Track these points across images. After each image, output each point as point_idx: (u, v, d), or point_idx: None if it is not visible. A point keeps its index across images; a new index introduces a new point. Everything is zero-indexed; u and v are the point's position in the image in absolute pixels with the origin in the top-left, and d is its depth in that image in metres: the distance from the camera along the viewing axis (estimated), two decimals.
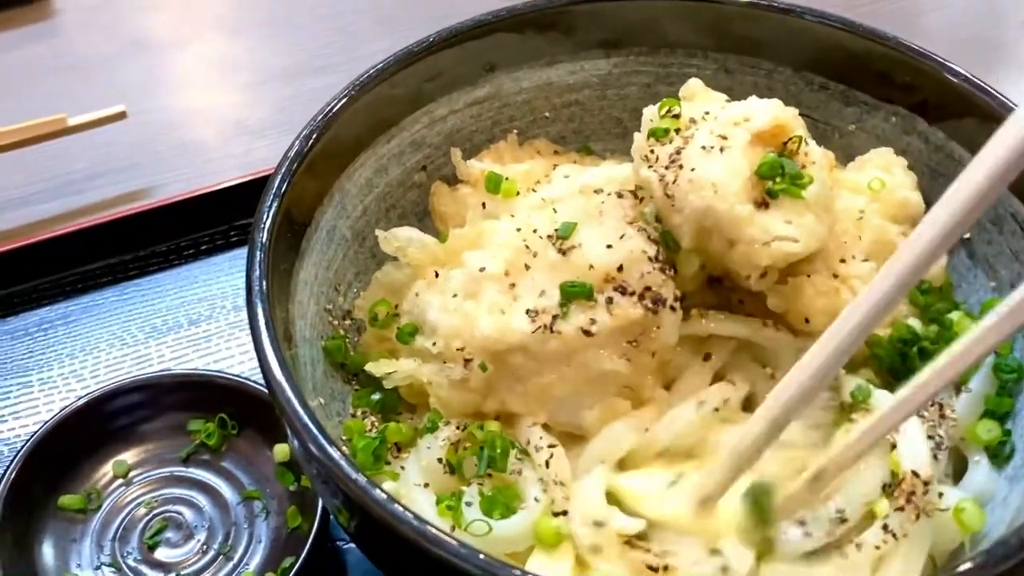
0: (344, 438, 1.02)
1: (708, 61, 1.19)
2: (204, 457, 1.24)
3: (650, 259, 0.94)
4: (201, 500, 1.20)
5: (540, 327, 0.93)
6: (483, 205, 1.14)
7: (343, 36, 1.95)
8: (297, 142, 1.04)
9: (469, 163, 1.18)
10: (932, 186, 1.10)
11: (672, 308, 0.93)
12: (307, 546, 1.10)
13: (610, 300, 0.92)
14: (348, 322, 1.12)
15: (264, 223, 0.97)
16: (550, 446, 0.94)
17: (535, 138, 1.26)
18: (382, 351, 1.09)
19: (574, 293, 0.93)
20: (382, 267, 1.15)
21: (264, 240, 0.96)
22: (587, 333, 0.92)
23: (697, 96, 1.07)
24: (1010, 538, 0.74)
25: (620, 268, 0.93)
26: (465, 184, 1.19)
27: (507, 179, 1.14)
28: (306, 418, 0.84)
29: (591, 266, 0.93)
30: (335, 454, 0.82)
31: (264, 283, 0.93)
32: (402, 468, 1.01)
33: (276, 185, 1.00)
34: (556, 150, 1.26)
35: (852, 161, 1.14)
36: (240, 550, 1.16)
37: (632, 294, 0.92)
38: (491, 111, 1.22)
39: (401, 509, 0.78)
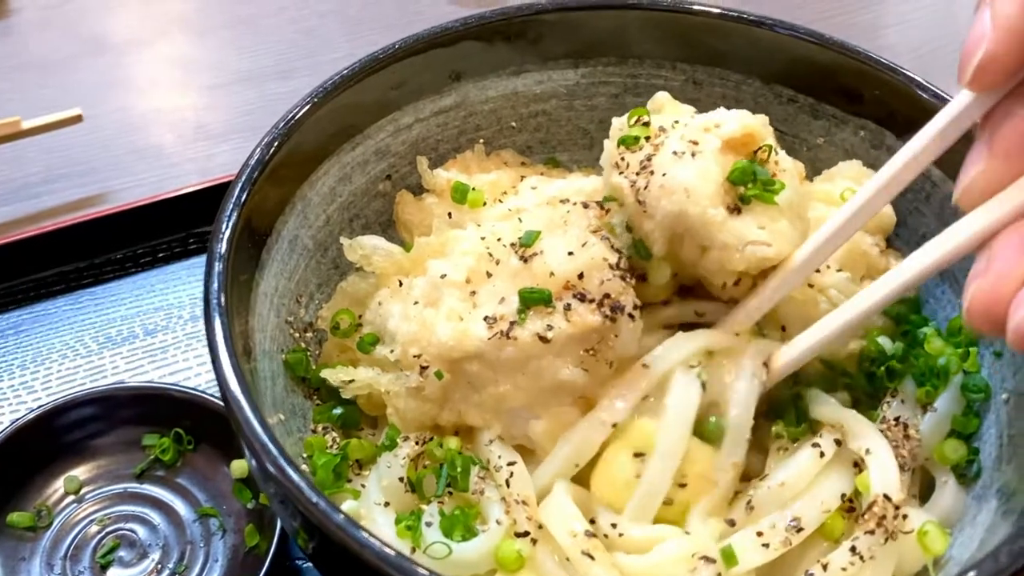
0: (304, 455, 1.00)
1: (676, 72, 1.18)
2: (159, 473, 1.20)
3: (611, 266, 0.92)
4: (155, 517, 1.17)
5: (497, 333, 0.91)
6: (449, 215, 1.12)
7: (308, 40, 1.92)
8: (258, 150, 1.01)
9: (435, 172, 1.16)
10: (901, 201, 1.09)
11: (631, 316, 0.91)
12: (265, 566, 1.07)
13: (568, 307, 0.90)
14: (310, 335, 1.10)
15: (223, 233, 0.94)
16: (509, 463, 0.92)
17: (502, 148, 1.24)
18: (343, 361, 1.07)
19: (532, 299, 0.91)
20: (346, 278, 1.13)
21: (223, 251, 0.93)
22: (543, 340, 0.90)
23: (664, 108, 1.05)
24: (985, 562, 0.73)
25: (581, 275, 0.91)
26: (431, 193, 1.17)
27: (474, 189, 1.12)
28: (264, 437, 0.81)
29: (552, 273, 0.92)
30: (294, 475, 0.79)
31: (223, 296, 0.90)
32: (363, 486, 0.99)
33: (236, 194, 0.97)
34: (523, 161, 1.24)
35: (820, 175, 1.13)
36: (195, 570, 1.13)
37: (591, 301, 0.90)
38: (457, 120, 1.20)
39: (362, 533, 0.76)
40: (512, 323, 0.92)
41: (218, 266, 0.91)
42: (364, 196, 1.17)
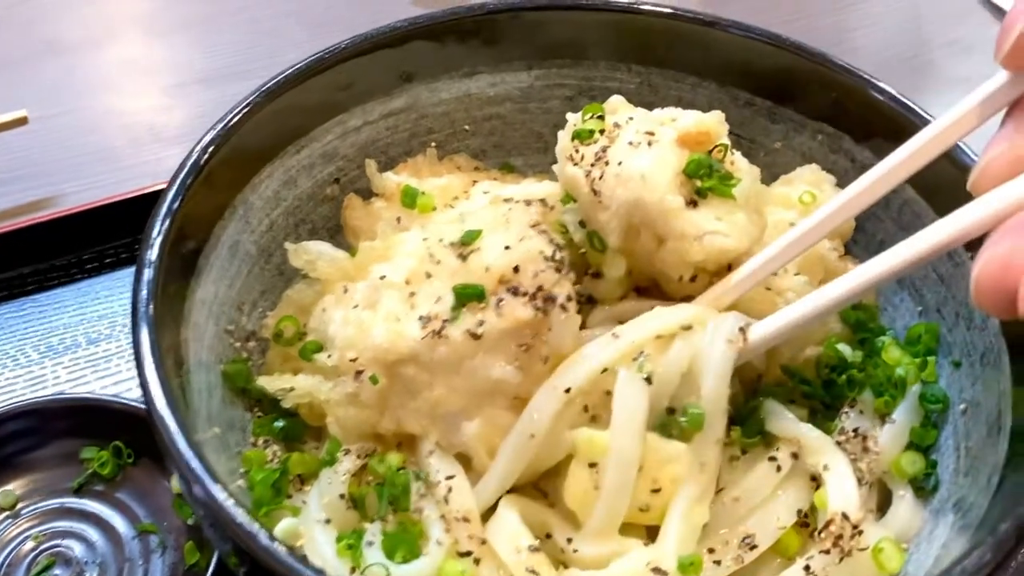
0: (242, 470, 0.96)
1: (631, 75, 1.16)
2: (97, 488, 1.16)
3: (546, 258, 0.88)
4: (93, 534, 1.12)
5: (429, 333, 0.88)
6: (398, 220, 1.09)
7: (269, 40, 1.88)
8: (195, 152, 0.98)
9: (384, 176, 1.13)
10: None
11: (563, 308, 0.88)
12: None
13: (500, 301, 0.87)
14: (252, 344, 1.06)
15: (154, 239, 0.90)
16: (448, 477, 0.88)
17: (455, 152, 1.21)
18: (286, 371, 1.03)
19: (466, 296, 0.88)
20: (292, 285, 1.09)
21: (153, 258, 0.89)
22: (475, 336, 0.86)
23: (619, 111, 1.03)
24: None
25: (516, 269, 0.88)
26: (380, 198, 1.14)
27: (423, 193, 1.09)
28: (190, 456, 0.77)
29: (487, 268, 0.88)
30: (221, 496, 0.75)
31: (151, 305, 0.86)
32: (304, 502, 0.95)
33: (169, 198, 0.93)
34: (477, 166, 1.21)
35: (776, 179, 1.10)
36: None
37: (524, 294, 0.87)
38: (408, 123, 1.17)
39: (291, 559, 0.72)
40: (445, 322, 0.89)
41: (147, 273, 0.88)
42: (311, 200, 1.13)
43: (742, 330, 0.88)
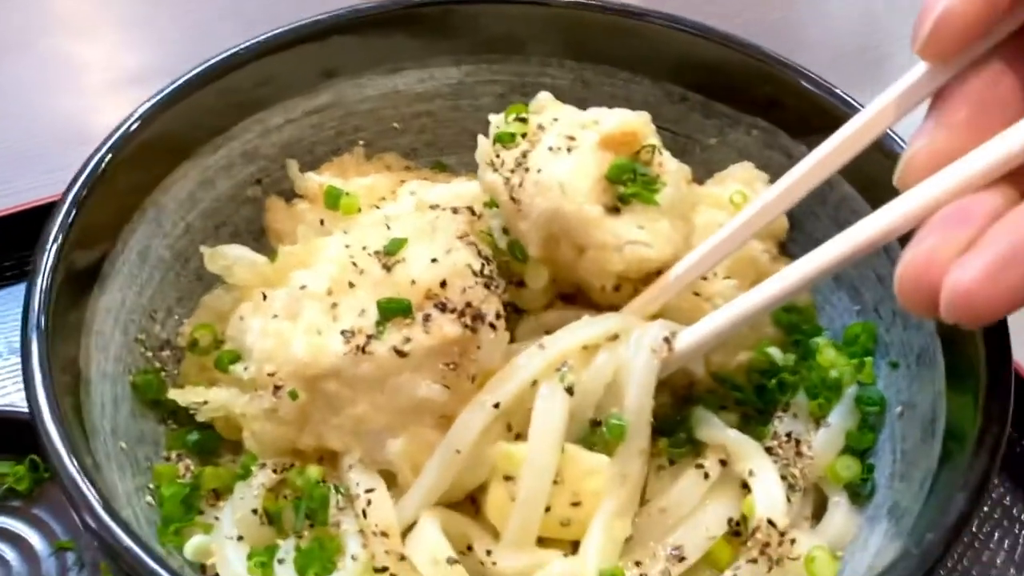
0: (152, 485, 0.91)
1: (564, 70, 1.12)
2: (13, 503, 1.10)
3: (474, 273, 0.85)
4: (7, 552, 1.07)
5: (353, 348, 0.84)
6: (321, 222, 1.05)
7: (204, 39, 1.82)
8: (96, 153, 0.93)
9: (307, 176, 1.08)
10: (796, 205, 1.04)
11: (492, 326, 0.84)
12: None
13: (428, 317, 0.83)
14: (167, 353, 1.01)
15: (49, 245, 0.86)
16: (368, 491, 0.84)
17: (385, 151, 1.17)
18: (201, 382, 0.99)
19: (391, 310, 0.84)
20: (211, 291, 1.04)
21: (48, 265, 0.85)
22: (400, 354, 0.83)
23: (547, 109, 0.99)
24: None
25: (443, 284, 0.84)
26: (303, 199, 1.09)
27: (347, 194, 1.05)
28: (78, 478, 0.73)
29: (413, 281, 0.85)
30: (109, 521, 0.71)
31: (43, 315, 0.81)
32: (216, 519, 0.91)
33: (67, 202, 0.89)
34: (407, 165, 1.17)
35: (712, 176, 1.07)
36: None
37: (452, 311, 0.84)
38: (333, 120, 1.13)
39: None
40: (369, 337, 0.85)
41: (41, 281, 0.83)
42: (231, 202, 1.08)
43: (667, 340, 0.85)
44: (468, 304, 0.84)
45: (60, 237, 0.86)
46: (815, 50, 1.79)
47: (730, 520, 0.85)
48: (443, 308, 0.84)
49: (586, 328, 0.86)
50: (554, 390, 0.82)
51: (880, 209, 0.73)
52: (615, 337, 0.85)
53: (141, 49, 1.84)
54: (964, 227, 0.64)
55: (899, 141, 0.94)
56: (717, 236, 0.87)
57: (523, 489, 0.81)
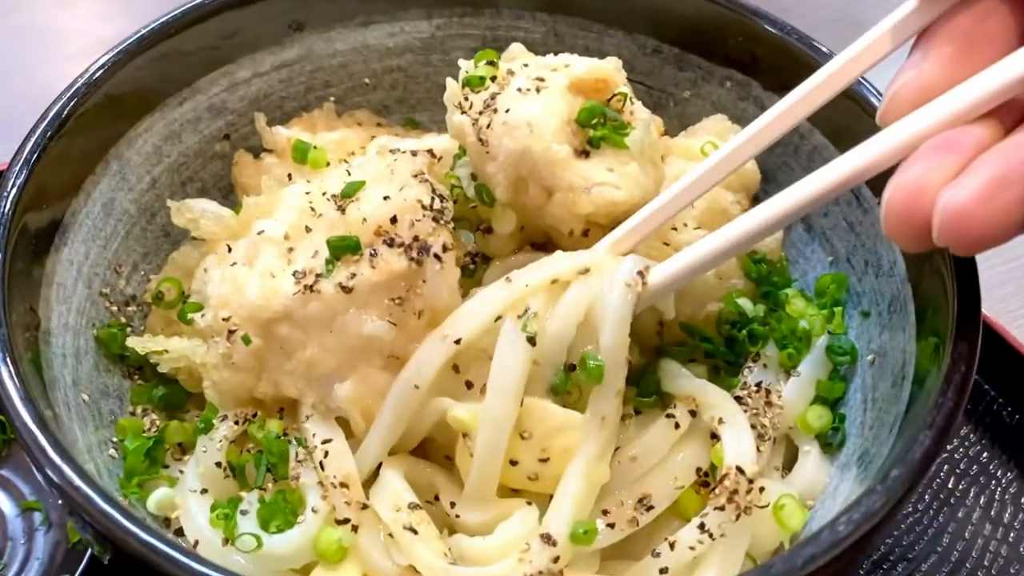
0: (116, 439, 0.90)
1: (536, 23, 1.10)
2: None
3: (424, 207, 0.84)
4: None
5: (302, 288, 0.82)
6: (289, 176, 1.03)
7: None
8: (57, 103, 0.91)
9: (275, 130, 1.07)
10: (769, 156, 1.02)
11: (437, 258, 0.83)
12: (82, 564, 0.97)
13: (374, 253, 0.82)
14: (132, 309, 1.00)
15: (7, 191, 0.84)
16: (324, 441, 0.83)
17: (356, 108, 1.15)
18: (168, 335, 0.97)
19: (340, 248, 0.83)
20: (179, 247, 1.03)
21: (6, 212, 0.83)
22: (345, 289, 0.81)
23: (517, 59, 0.97)
24: (820, 534, 0.66)
25: (394, 220, 0.83)
26: (271, 154, 1.08)
27: (316, 148, 1.03)
28: (36, 430, 0.71)
29: (364, 220, 0.83)
30: (71, 473, 0.70)
31: (0, 261, 0.80)
32: (181, 472, 0.90)
33: (26, 151, 0.87)
34: (379, 122, 1.16)
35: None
36: (14, 568, 1.02)
37: (400, 246, 0.82)
38: (302, 75, 1.11)
39: (149, 537, 0.67)
40: (318, 276, 0.83)
41: None
42: (198, 157, 1.07)
43: (641, 273, 0.82)
44: (415, 238, 0.82)
45: (19, 184, 0.84)
46: (793, 14, 1.77)
47: (699, 470, 0.84)
48: (391, 243, 0.82)
49: (556, 263, 0.83)
50: (515, 339, 0.80)
51: (856, 147, 0.70)
52: (586, 271, 0.82)
53: (117, 18, 1.81)
54: (953, 155, 0.62)
55: (872, 89, 0.92)
56: (687, 178, 0.85)
57: (480, 443, 0.80)
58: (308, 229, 0.86)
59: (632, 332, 0.84)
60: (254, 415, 0.89)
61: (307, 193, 0.90)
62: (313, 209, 0.88)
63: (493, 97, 0.89)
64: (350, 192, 0.86)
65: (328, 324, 0.82)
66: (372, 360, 0.83)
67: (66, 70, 1.67)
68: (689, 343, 0.94)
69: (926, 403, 0.72)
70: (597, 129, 0.88)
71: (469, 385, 0.84)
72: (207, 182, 1.08)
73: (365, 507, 0.82)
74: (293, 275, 0.83)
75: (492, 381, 0.79)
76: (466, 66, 0.94)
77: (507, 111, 0.87)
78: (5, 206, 0.83)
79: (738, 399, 0.88)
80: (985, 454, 1.12)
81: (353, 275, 0.81)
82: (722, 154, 0.84)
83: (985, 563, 1.03)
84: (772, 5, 1.78)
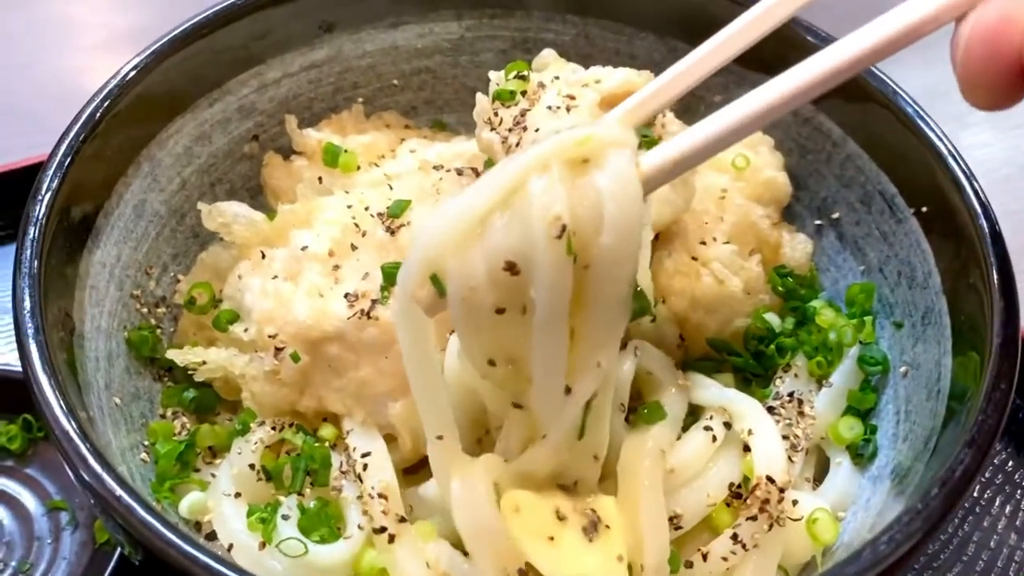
0: (147, 443, 0.90)
1: (567, 26, 1.10)
2: (6, 463, 1.09)
3: None
4: (0, 511, 1.06)
5: (357, 312, 0.83)
6: (320, 179, 1.03)
7: None
8: (90, 105, 0.91)
9: (305, 133, 1.07)
10: (801, 164, 1.03)
11: None
12: (111, 564, 0.97)
13: None
14: (162, 310, 1.00)
15: (42, 196, 0.84)
16: (365, 454, 0.83)
17: (384, 109, 1.15)
18: (199, 341, 0.97)
19: (396, 275, 0.83)
20: (207, 248, 1.03)
21: (40, 215, 0.83)
22: None
23: (550, 67, 0.97)
24: (861, 552, 0.66)
25: None
26: (301, 156, 1.08)
27: (346, 151, 1.03)
28: (72, 432, 0.71)
29: None
30: (106, 476, 0.70)
31: (35, 264, 0.80)
32: (213, 476, 0.90)
33: (60, 153, 0.87)
34: (407, 124, 1.15)
35: None
36: (41, 568, 1.02)
37: None
38: (331, 76, 1.11)
39: (186, 545, 0.67)
40: (374, 301, 0.84)
41: (32, 232, 0.81)
42: (227, 158, 1.06)
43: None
44: None
45: (54, 187, 0.84)
46: (813, 11, 1.75)
47: (731, 485, 0.84)
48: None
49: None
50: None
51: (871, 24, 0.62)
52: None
53: (134, 7, 1.80)
54: None
55: (908, 99, 0.92)
56: (709, 44, 0.79)
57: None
58: (354, 247, 0.87)
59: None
60: (292, 424, 0.89)
61: (348, 207, 0.90)
62: (357, 226, 0.88)
63: (523, 114, 0.88)
64: (397, 212, 0.86)
65: (385, 350, 0.83)
66: None
67: (81, 63, 1.68)
68: (713, 356, 0.93)
69: (965, 420, 0.72)
70: None
71: None
72: (236, 183, 1.08)
73: (402, 519, 0.81)
74: (345, 297, 0.84)
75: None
76: (496, 78, 0.94)
77: (536, 130, 0.86)
78: (40, 210, 0.83)
79: (770, 409, 0.88)
80: (1011, 463, 1.12)
81: None
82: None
83: (1011, 573, 1.03)
84: None
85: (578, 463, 0.77)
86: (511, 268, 0.63)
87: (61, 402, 0.74)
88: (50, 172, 0.85)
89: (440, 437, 0.73)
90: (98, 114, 0.90)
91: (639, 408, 0.85)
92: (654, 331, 0.91)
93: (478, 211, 0.64)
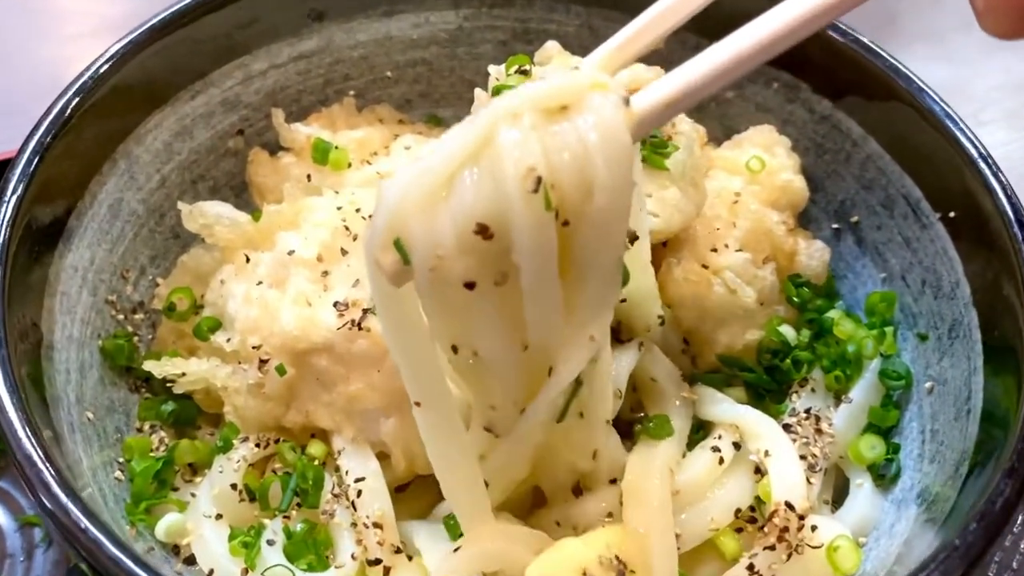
0: (122, 459, 0.85)
1: (570, 16, 1.04)
2: None
3: None
4: None
5: (347, 323, 0.77)
6: (308, 177, 0.97)
7: None
8: (61, 99, 0.85)
9: (294, 127, 1.00)
10: (818, 164, 0.97)
11: None
12: None
13: None
14: (140, 316, 0.94)
15: (7, 198, 0.78)
16: (358, 479, 0.78)
17: (377, 102, 1.09)
18: (178, 350, 0.92)
19: None
20: (188, 249, 0.97)
21: (6, 219, 0.77)
22: None
23: (554, 60, 0.91)
24: None
25: None
26: (289, 152, 1.01)
27: (337, 148, 0.97)
28: (34, 453, 0.66)
29: None
30: (68, 502, 0.65)
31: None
32: (192, 495, 0.84)
33: (28, 152, 0.81)
34: (400, 118, 1.09)
35: (729, 134, 1.00)
36: None
37: None
38: (321, 68, 1.05)
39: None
40: (365, 311, 0.79)
41: None
42: (210, 154, 1.01)
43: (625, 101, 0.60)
44: None
45: (20, 188, 0.79)
46: None
47: (737, 511, 0.79)
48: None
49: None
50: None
51: None
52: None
53: None
54: None
55: (935, 97, 0.87)
56: None
57: None
58: (344, 252, 0.82)
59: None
60: (277, 440, 0.83)
61: (339, 208, 0.85)
62: (347, 228, 0.83)
63: None
64: None
65: (377, 363, 0.78)
66: None
67: (66, 52, 1.61)
68: (725, 372, 0.88)
69: (1003, 447, 0.66)
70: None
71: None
72: (219, 180, 1.02)
73: (398, 550, 0.76)
74: (334, 306, 0.79)
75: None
76: (496, 72, 0.88)
77: None
78: (4, 213, 0.77)
79: (786, 427, 0.82)
80: None
81: None
82: None
83: None
84: None
85: (573, 453, 0.73)
86: (483, 231, 0.56)
87: (23, 420, 0.68)
88: (16, 172, 0.79)
89: (418, 404, 0.66)
90: (68, 109, 0.84)
91: (644, 421, 0.80)
92: (658, 339, 0.86)
93: (443, 169, 0.57)
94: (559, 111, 0.57)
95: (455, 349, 0.63)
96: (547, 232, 0.56)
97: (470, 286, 0.57)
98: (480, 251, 0.56)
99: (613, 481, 0.77)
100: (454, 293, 0.58)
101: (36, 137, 0.82)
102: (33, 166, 0.80)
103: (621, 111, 0.58)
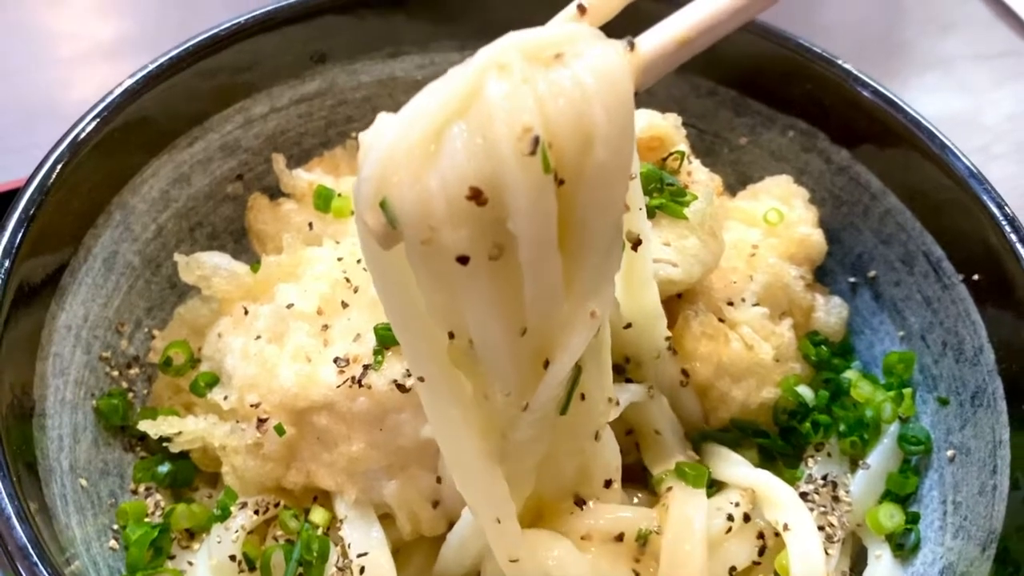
0: (116, 526, 0.82)
1: None
2: None
3: None
4: None
5: (348, 380, 0.75)
6: (310, 226, 0.94)
7: (178, 11, 1.69)
8: (54, 153, 0.82)
9: (295, 173, 0.97)
10: (835, 216, 0.95)
11: None
12: None
13: None
14: (135, 371, 0.91)
15: None
16: (360, 555, 0.75)
17: None
18: (175, 406, 0.89)
19: (391, 338, 0.75)
20: (185, 301, 0.94)
21: None
22: (402, 389, 0.74)
23: None
24: None
25: None
26: (289, 199, 0.98)
27: (340, 195, 0.94)
28: (19, 529, 0.63)
29: None
30: None
31: None
32: (190, 563, 0.81)
33: (20, 208, 0.78)
34: None
35: (743, 182, 0.97)
36: None
37: None
38: (323, 110, 1.02)
39: None
40: (366, 367, 0.76)
41: None
42: (208, 200, 0.98)
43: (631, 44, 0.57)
44: None
45: (12, 250, 0.75)
46: (835, 35, 1.67)
47: (732, 568, 0.76)
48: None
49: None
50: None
51: None
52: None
53: (116, 18, 1.70)
54: None
55: (957, 152, 0.84)
56: None
57: None
58: (344, 305, 0.79)
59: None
60: (276, 504, 0.81)
61: (339, 260, 0.82)
62: (348, 280, 0.80)
63: None
64: None
65: (379, 422, 0.75)
66: (425, 463, 0.76)
67: (58, 75, 1.58)
68: (736, 433, 0.85)
69: None
70: (654, 197, 0.79)
71: None
72: (218, 226, 0.99)
73: None
74: (334, 362, 0.76)
75: None
76: None
77: None
78: None
79: (803, 495, 0.80)
80: None
81: (409, 373, 0.72)
82: None
83: None
84: (811, 26, 1.69)
85: (577, 438, 0.69)
86: (476, 196, 0.50)
87: (10, 495, 0.65)
88: (7, 233, 0.76)
89: (421, 379, 0.60)
90: (60, 165, 0.81)
91: (678, 465, 0.77)
92: (672, 398, 0.83)
93: (430, 122, 0.52)
94: (553, 59, 0.51)
95: (452, 335, 0.59)
96: (547, 197, 0.51)
97: (463, 260, 0.52)
98: (473, 219, 0.51)
99: (608, 483, 0.73)
100: (447, 268, 0.53)
101: (27, 195, 0.79)
102: (25, 226, 0.77)
103: (624, 55, 0.52)
